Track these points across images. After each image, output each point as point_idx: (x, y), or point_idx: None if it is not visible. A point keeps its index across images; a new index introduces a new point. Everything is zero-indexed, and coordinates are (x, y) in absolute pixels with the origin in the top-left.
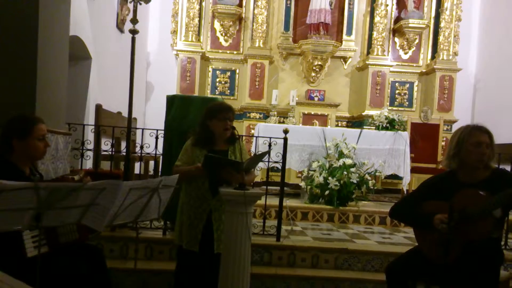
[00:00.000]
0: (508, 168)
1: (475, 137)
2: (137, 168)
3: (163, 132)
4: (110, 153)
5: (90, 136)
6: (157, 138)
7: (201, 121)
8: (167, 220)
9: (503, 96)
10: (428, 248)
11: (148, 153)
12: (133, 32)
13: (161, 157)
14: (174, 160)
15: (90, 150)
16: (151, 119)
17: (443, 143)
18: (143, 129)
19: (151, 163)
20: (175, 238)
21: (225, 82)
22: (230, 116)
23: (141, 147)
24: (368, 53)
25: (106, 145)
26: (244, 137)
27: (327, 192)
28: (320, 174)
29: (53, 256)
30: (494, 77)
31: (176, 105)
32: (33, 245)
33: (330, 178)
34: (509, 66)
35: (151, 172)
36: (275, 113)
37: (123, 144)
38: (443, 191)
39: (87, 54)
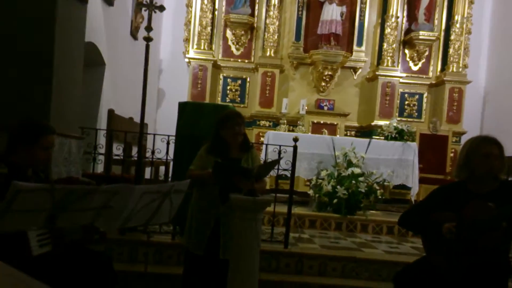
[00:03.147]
0: None
1: (484, 148)
2: (147, 173)
3: (174, 138)
4: (121, 157)
5: (102, 140)
6: (168, 143)
7: (213, 133)
8: (177, 225)
9: None
10: (436, 258)
11: (159, 158)
12: (147, 39)
13: (171, 162)
14: (185, 165)
15: (102, 154)
16: (162, 125)
17: (452, 155)
18: (154, 134)
19: (161, 168)
20: (184, 241)
21: (236, 90)
22: (238, 121)
23: (152, 152)
24: (378, 64)
25: (117, 150)
26: (254, 145)
27: (335, 201)
28: (329, 182)
29: (59, 260)
30: (504, 90)
31: (188, 111)
32: (38, 244)
33: (338, 186)
34: None
35: (161, 177)
36: (285, 121)
37: (134, 149)
38: (452, 200)
39: (102, 60)
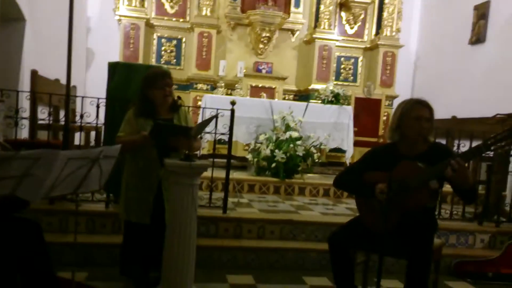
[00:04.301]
0: (443, 142)
1: (416, 111)
2: (77, 138)
3: (104, 100)
4: (48, 122)
5: (25, 103)
6: (98, 107)
7: (140, 92)
8: (110, 192)
9: (441, 73)
10: (369, 217)
11: (88, 123)
12: None
13: (103, 127)
14: (117, 130)
15: (25, 118)
16: (92, 88)
17: (384, 118)
18: (83, 97)
19: (92, 133)
20: (121, 212)
21: (171, 51)
22: (168, 82)
23: (81, 116)
24: (315, 26)
25: (43, 114)
26: (191, 108)
27: (273, 165)
28: (267, 146)
29: None
30: (433, 54)
31: (118, 72)
32: None
33: (276, 150)
34: (448, 44)
35: (93, 143)
36: (223, 84)
37: (62, 113)
38: (384, 161)
39: (21, 16)
